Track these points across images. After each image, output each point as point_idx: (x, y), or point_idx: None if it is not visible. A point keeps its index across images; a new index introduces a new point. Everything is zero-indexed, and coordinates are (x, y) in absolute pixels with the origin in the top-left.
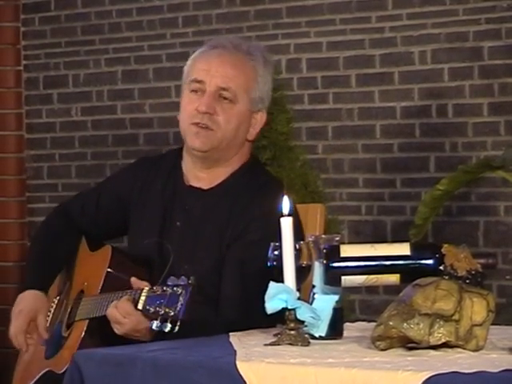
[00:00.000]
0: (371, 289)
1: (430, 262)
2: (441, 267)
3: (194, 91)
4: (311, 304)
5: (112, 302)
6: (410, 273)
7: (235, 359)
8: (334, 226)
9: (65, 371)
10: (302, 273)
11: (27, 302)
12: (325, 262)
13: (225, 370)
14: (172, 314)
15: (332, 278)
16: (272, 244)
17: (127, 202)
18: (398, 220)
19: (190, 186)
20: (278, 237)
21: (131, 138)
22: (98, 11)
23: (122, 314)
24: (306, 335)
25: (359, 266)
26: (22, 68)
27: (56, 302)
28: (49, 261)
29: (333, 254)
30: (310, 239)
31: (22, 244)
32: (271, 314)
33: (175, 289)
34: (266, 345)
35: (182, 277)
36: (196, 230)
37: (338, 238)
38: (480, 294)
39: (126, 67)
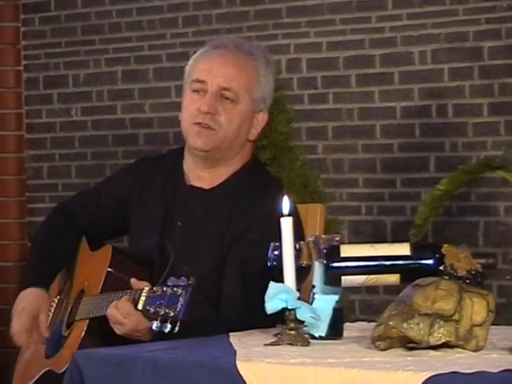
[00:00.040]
0: (371, 289)
1: (430, 262)
2: (441, 267)
3: (196, 91)
4: (311, 304)
5: (112, 301)
6: (409, 273)
7: (235, 359)
8: (334, 226)
9: (65, 371)
10: (302, 273)
11: (29, 299)
12: (325, 262)
13: (225, 370)
14: (172, 314)
15: (332, 278)
16: (272, 244)
17: (127, 202)
18: (398, 220)
19: (191, 186)
20: (279, 237)
21: (131, 138)
22: (98, 11)
23: (122, 314)
24: (306, 335)
25: (359, 266)
26: (22, 68)
27: (56, 301)
28: (49, 260)
29: (333, 254)
30: (310, 239)
31: (22, 244)
32: (271, 314)
33: (175, 289)
34: (266, 345)
35: (182, 277)
36: (197, 229)
37: (338, 238)
38: (480, 294)
39: (125, 67)
